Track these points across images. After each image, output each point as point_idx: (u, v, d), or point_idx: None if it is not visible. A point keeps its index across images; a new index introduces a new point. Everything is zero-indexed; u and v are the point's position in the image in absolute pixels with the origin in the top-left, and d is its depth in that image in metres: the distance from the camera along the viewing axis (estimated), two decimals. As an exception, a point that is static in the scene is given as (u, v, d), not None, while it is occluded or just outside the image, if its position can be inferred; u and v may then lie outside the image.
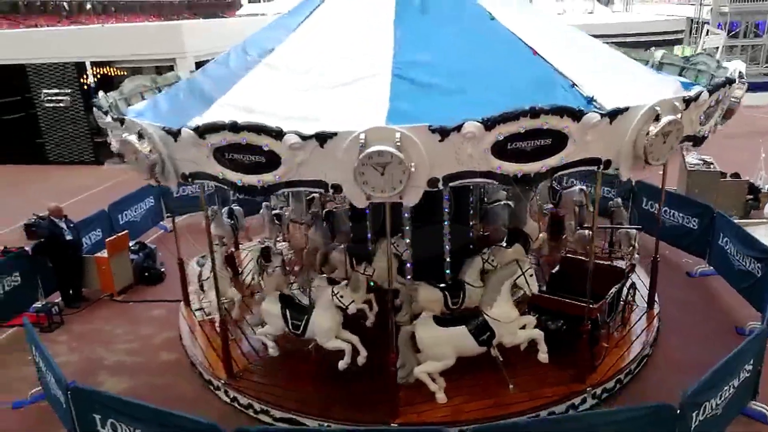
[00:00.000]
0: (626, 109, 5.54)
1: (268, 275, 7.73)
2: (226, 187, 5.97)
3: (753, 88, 22.34)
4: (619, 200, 10.50)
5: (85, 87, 19.43)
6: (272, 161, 5.44)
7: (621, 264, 8.69)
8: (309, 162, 5.38)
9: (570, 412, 6.68)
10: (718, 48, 24.81)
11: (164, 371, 8.11)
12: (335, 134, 5.20)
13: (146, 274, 10.81)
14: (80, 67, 19.41)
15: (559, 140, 5.33)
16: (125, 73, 18.27)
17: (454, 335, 6.66)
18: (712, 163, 12.94)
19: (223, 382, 7.36)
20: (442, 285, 7.75)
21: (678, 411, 5.32)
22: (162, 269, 11.02)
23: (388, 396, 6.46)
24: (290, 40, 6.98)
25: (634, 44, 18.82)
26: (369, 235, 9.00)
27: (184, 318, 8.98)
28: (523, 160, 5.34)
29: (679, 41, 25.79)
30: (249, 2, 79.71)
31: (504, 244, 8.40)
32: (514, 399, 6.71)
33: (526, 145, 5.26)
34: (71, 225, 10.05)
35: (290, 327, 7.23)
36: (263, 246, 8.50)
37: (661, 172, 8.20)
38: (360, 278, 7.37)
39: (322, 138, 5.21)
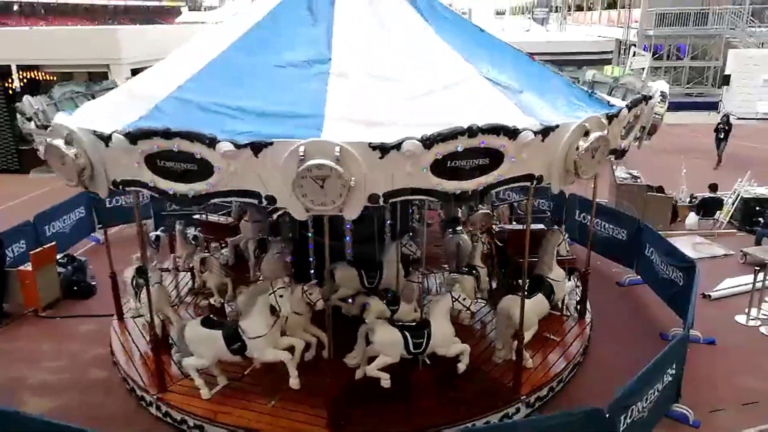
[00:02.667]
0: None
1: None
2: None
3: (676, 107, 23.76)
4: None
5: (10, 92, 18.51)
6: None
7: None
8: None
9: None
10: (644, 68, 26.14)
11: (93, 389, 7.75)
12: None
13: (75, 288, 10.33)
14: (5, 71, 18.48)
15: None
16: (55, 78, 17.50)
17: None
18: (639, 177, 13.61)
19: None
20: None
21: (607, 415, 5.53)
22: (93, 283, 10.58)
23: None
24: (337, 47, 6.60)
25: (568, 62, 19.60)
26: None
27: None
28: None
29: (608, 61, 27.02)
30: (189, 10, 78.52)
31: None
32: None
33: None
34: (-7, 237, 9.52)
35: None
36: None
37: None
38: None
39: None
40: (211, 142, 5.17)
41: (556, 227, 9.16)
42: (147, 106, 6.15)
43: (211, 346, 6.86)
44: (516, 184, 5.96)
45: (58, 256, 10.54)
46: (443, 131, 5.17)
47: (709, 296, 9.93)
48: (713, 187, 13.88)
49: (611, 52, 28.22)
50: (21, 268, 9.83)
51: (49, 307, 9.88)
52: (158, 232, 10.64)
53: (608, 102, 7.07)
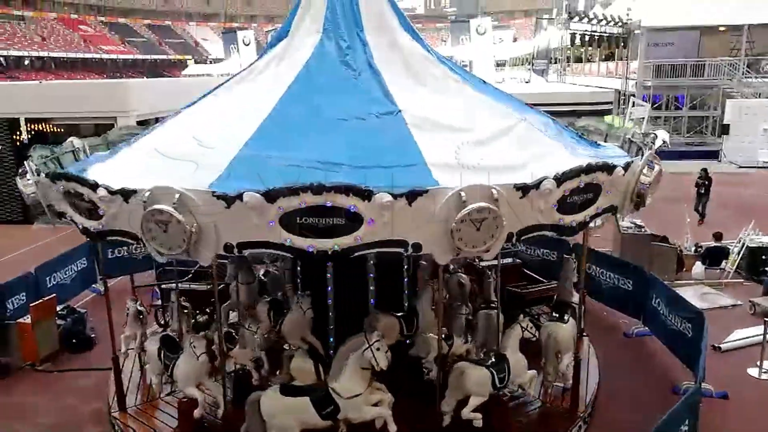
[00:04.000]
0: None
1: None
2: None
3: (678, 156, 23.94)
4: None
5: (18, 143, 18.77)
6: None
7: None
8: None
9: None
10: (644, 118, 26.49)
11: (88, 447, 7.54)
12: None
13: (74, 340, 10.19)
14: (13, 123, 18.79)
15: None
16: (62, 130, 17.78)
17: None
18: (642, 227, 13.55)
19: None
20: None
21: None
22: (92, 335, 10.43)
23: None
24: (399, 100, 6.86)
25: (568, 113, 19.84)
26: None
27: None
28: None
29: (608, 111, 27.38)
30: (195, 63, 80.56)
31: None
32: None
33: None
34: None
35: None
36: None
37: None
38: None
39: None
40: (368, 194, 5.21)
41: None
42: (217, 164, 5.93)
43: (298, 416, 6.25)
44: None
45: (58, 308, 10.45)
46: (572, 169, 5.74)
47: (719, 348, 9.73)
48: (718, 236, 13.79)
49: (611, 102, 28.62)
50: (20, 320, 9.73)
51: (47, 360, 9.72)
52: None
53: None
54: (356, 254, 5.51)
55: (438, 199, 5.36)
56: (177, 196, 5.36)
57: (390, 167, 5.74)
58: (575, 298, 8.84)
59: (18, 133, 18.85)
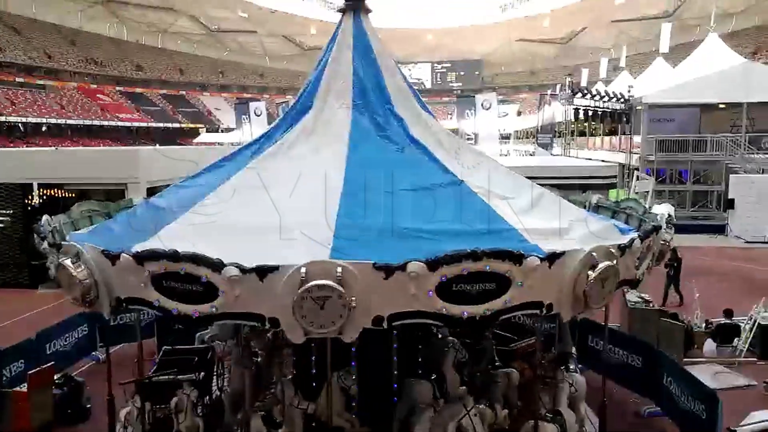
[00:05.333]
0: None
1: None
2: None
3: (683, 230, 23.93)
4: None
5: (29, 208, 19.02)
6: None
7: None
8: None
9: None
10: (648, 192, 26.68)
11: None
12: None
13: (69, 411, 9.92)
14: (26, 188, 19.12)
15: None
16: (73, 195, 18.05)
17: None
18: (651, 302, 13.36)
19: None
20: None
21: None
22: (88, 405, 10.17)
23: None
24: (455, 171, 7.25)
25: (573, 186, 20.02)
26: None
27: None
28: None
29: (613, 185, 27.63)
30: (207, 131, 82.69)
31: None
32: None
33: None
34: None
35: None
36: None
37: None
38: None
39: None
40: (217, 267, 5.34)
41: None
42: (321, 237, 5.93)
43: None
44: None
45: (56, 376, 10.24)
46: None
47: (735, 431, 9.35)
48: (728, 313, 13.56)
49: (615, 176, 28.93)
50: (16, 389, 9.52)
51: (40, 431, 9.43)
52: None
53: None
54: (501, 318, 5.72)
55: (573, 259, 5.64)
56: (339, 270, 5.15)
57: (488, 233, 6.05)
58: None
59: (30, 197, 19.16)
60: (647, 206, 8.86)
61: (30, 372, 9.67)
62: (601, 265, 5.64)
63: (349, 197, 6.54)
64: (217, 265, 5.30)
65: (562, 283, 5.80)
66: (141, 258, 5.64)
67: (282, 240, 5.84)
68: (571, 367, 8.33)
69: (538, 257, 5.53)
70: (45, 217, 7.71)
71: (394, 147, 7.51)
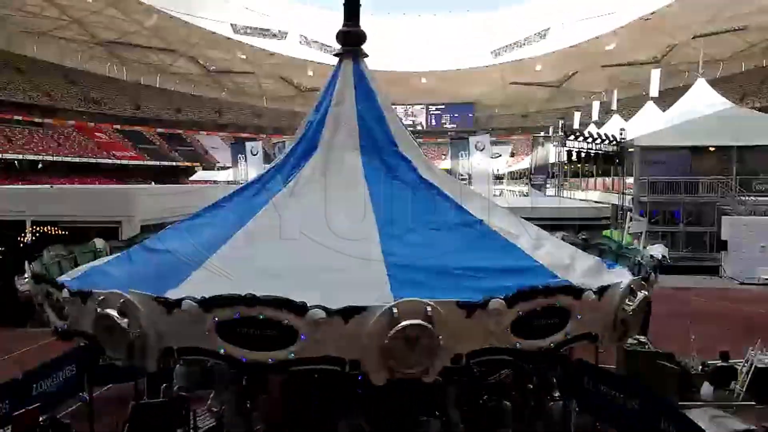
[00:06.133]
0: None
1: None
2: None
3: (677, 271, 23.95)
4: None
5: (21, 245, 18.91)
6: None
7: None
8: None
9: None
10: (642, 233, 26.80)
11: None
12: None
13: (53, 454, 9.66)
14: (19, 225, 19.05)
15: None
16: (66, 232, 17.98)
17: None
18: (646, 343, 13.27)
19: None
20: None
21: None
22: (73, 449, 9.91)
23: None
24: (472, 210, 7.58)
25: (567, 227, 20.10)
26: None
27: None
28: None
29: (607, 226, 27.75)
30: (203, 169, 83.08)
31: None
32: None
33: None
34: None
35: None
36: None
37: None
38: None
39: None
40: (302, 310, 5.23)
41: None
42: (377, 277, 5.98)
43: None
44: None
45: (41, 418, 9.98)
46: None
47: (735, 477, 9.17)
48: (724, 355, 13.45)
49: (609, 217, 29.10)
50: (-1, 431, 9.28)
51: (23, 476, 9.15)
52: None
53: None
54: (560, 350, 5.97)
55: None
56: (429, 309, 5.15)
57: (524, 270, 6.33)
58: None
59: (23, 234, 19.07)
60: (641, 246, 8.97)
61: (15, 414, 9.44)
62: (639, 296, 6.14)
63: (385, 237, 6.61)
64: (301, 309, 5.12)
65: (606, 315, 6.19)
66: (209, 304, 5.24)
67: (334, 282, 5.76)
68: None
69: (593, 291, 5.88)
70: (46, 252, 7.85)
71: (407, 187, 7.64)
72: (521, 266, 6.45)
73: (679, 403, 11.30)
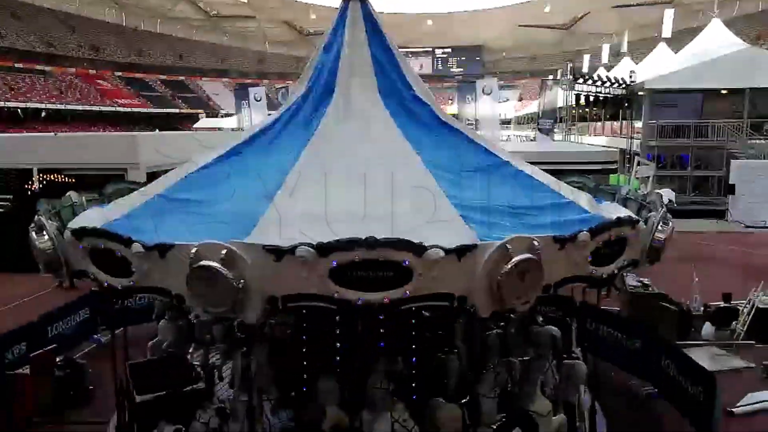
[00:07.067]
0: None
1: None
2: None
3: (684, 215, 23.91)
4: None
5: (29, 193, 19.04)
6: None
7: None
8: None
9: None
10: (649, 177, 26.64)
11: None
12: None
13: (71, 393, 10.00)
14: (26, 173, 19.13)
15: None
16: (73, 180, 18.07)
17: None
18: (649, 285, 13.41)
19: None
20: None
21: None
22: (90, 387, 10.25)
23: None
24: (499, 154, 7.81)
25: (574, 171, 19.99)
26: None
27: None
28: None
29: (614, 170, 27.58)
30: (206, 116, 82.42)
31: None
32: None
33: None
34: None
35: None
36: None
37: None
38: None
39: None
40: (420, 250, 5.27)
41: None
42: (451, 217, 6.17)
43: None
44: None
45: (58, 359, 10.31)
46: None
47: (732, 413, 9.44)
48: (727, 297, 13.60)
49: (616, 161, 28.87)
50: (18, 371, 9.59)
51: (42, 413, 9.51)
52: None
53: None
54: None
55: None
56: (536, 242, 5.55)
57: (558, 207, 6.79)
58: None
59: (30, 183, 19.18)
60: (648, 191, 8.92)
61: (32, 354, 9.75)
62: (670, 225, 6.57)
63: (439, 180, 6.72)
64: (420, 249, 5.20)
65: (644, 242, 6.66)
66: (327, 249, 5.16)
67: (415, 223, 5.78)
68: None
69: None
70: (69, 193, 7.80)
71: (430, 131, 7.65)
72: (558, 203, 6.96)
73: (681, 342, 11.52)
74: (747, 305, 13.15)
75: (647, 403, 10.01)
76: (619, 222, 6.42)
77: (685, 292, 13.88)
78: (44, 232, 6.42)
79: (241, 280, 5.26)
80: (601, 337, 10.91)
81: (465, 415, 6.97)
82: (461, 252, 5.42)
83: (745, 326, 12.84)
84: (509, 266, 5.44)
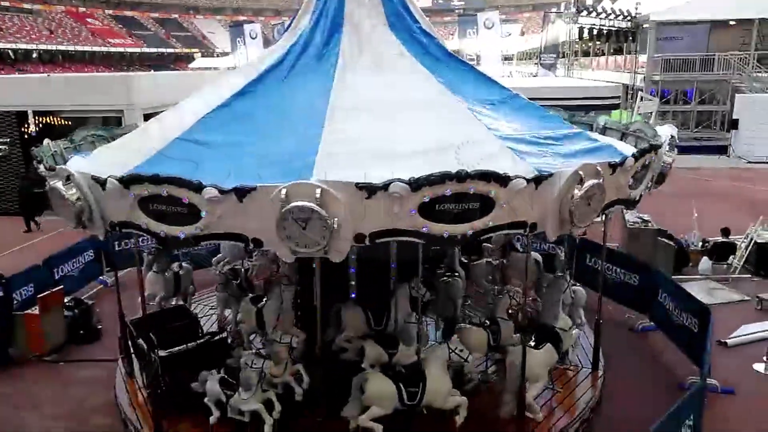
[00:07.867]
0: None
1: None
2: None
3: (685, 151, 23.75)
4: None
5: (26, 136, 18.85)
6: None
7: None
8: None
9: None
10: (652, 113, 26.28)
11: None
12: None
13: (81, 332, 10.25)
14: (22, 116, 18.87)
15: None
16: (69, 123, 17.84)
17: None
18: (649, 222, 13.48)
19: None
20: None
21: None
22: (99, 326, 10.50)
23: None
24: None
25: (576, 107, 19.71)
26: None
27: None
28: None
29: (616, 106, 27.16)
30: (202, 56, 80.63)
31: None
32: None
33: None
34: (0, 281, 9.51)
35: None
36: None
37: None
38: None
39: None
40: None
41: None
42: (499, 148, 6.24)
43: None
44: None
45: (66, 300, 10.50)
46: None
47: (726, 343, 9.69)
48: (725, 232, 13.71)
49: (619, 97, 28.42)
50: (28, 312, 9.79)
51: (54, 352, 9.78)
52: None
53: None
54: None
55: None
56: (600, 168, 5.88)
57: (574, 136, 6.99)
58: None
59: (26, 125, 18.95)
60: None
61: (40, 295, 9.92)
62: (675, 151, 6.98)
63: (474, 112, 6.80)
64: (504, 179, 5.34)
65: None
66: (420, 184, 5.16)
67: (469, 155, 5.78)
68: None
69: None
70: (46, 141, 7.57)
71: (440, 63, 7.60)
72: (574, 132, 7.19)
73: (679, 276, 11.69)
74: (745, 240, 13.26)
75: (643, 335, 10.24)
76: (652, 147, 6.90)
77: (685, 228, 13.98)
78: (71, 181, 6.00)
79: (335, 219, 5.15)
80: (598, 272, 11.03)
81: (489, 337, 7.70)
82: (539, 181, 5.64)
83: (743, 261, 13.00)
84: (581, 192, 5.72)
